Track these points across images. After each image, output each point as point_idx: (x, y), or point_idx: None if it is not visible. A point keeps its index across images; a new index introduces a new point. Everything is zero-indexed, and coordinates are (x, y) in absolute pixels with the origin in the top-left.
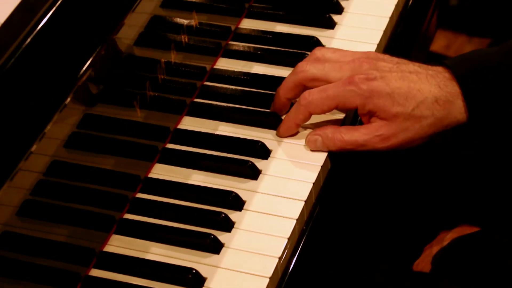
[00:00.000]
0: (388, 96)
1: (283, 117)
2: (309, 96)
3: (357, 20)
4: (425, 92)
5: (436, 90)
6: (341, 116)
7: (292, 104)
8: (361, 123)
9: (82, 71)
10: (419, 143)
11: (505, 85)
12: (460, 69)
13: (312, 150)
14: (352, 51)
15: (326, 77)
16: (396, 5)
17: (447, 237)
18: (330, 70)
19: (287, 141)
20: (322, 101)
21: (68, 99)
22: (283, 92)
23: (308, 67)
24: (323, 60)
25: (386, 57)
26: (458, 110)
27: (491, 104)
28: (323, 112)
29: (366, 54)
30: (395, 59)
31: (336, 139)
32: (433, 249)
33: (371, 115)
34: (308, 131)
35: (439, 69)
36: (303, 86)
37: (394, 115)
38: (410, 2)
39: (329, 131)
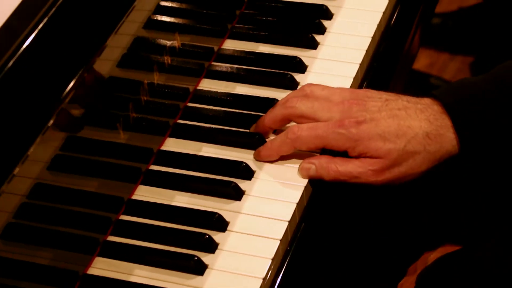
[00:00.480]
0: (379, 137)
1: (267, 139)
2: (298, 131)
3: (340, 40)
4: (415, 128)
5: (426, 125)
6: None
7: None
8: None
9: (64, 93)
10: (412, 178)
11: (494, 114)
12: (449, 100)
13: (304, 178)
14: (340, 89)
15: (314, 115)
16: (378, 25)
17: (431, 257)
18: (319, 109)
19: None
20: (311, 139)
21: (51, 121)
22: (269, 122)
23: (298, 104)
24: (312, 97)
25: (375, 94)
26: (449, 142)
27: (482, 133)
28: (309, 149)
29: (355, 94)
30: (384, 96)
31: (330, 169)
32: (417, 269)
33: (362, 156)
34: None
35: (428, 101)
36: (290, 121)
37: (387, 152)
38: (393, 21)
39: (324, 160)
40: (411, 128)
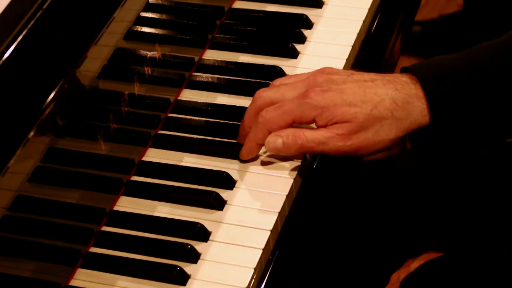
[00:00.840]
0: (345, 102)
1: None
2: (266, 114)
3: (320, 49)
4: (381, 94)
5: (394, 92)
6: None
7: None
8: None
9: (45, 104)
10: (381, 147)
11: (467, 89)
12: (422, 72)
13: (271, 152)
14: (307, 72)
15: (283, 97)
16: (358, 34)
17: (414, 264)
18: (286, 91)
19: (252, 171)
20: (279, 117)
21: (31, 133)
22: (246, 122)
23: (265, 93)
24: (280, 85)
25: (340, 70)
26: (418, 111)
27: (454, 107)
28: (280, 128)
29: (320, 70)
30: (349, 71)
31: (297, 136)
32: (400, 276)
33: (330, 124)
34: (272, 159)
35: (397, 74)
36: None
37: (353, 115)
38: (373, 30)
39: (290, 130)
40: (378, 94)
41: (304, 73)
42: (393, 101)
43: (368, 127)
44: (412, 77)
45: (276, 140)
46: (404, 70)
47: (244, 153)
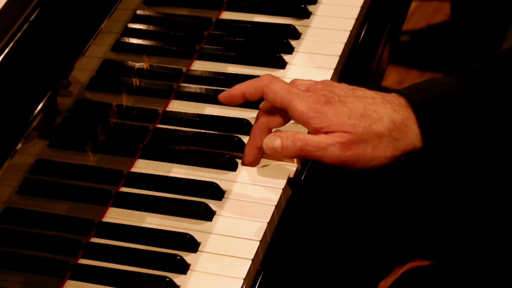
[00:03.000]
0: (344, 113)
1: (239, 161)
2: (273, 79)
3: (308, 59)
4: (380, 113)
5: (392, 113)
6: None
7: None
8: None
9: (32, 116)
10: (377, 164)
11: (458, 113)
12: (414, 97)
13: (268, 153)
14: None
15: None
16: (346, 43)
17: (401, 272)
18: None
19: (241, 181)
20: (281, 91)
21: (19, 145)
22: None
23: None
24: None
25: (342, 84)
26: (414, 135)
27: (445, 131)
28: (274, 101)
29: (321, 81)
30: (350, 86)
31: (297, 139)
32: (387, 284)
33: (327, 132)
34: (261, 170)
35: (395, 95)
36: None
37: (352, 126)
38: (360, 39)
39: (290, 132)
40: (377, 112)
41: (303, 81)
42: (392, 121)
43: (368, 141)
44: (407, 102)
45: (275, 140)
46: (399, 93)
47: (246, 159)
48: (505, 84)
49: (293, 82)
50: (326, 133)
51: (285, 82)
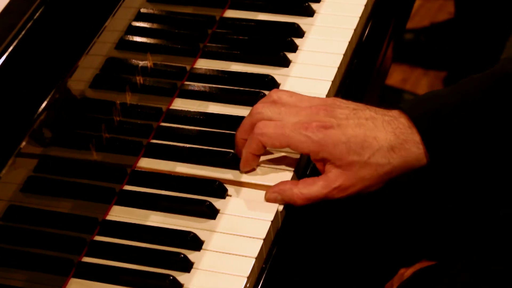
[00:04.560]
0: (344, 145)
1: None
2: (264, 127)
3: (312, 58)
4: (381, 140)
5: (392, 137)
6: (297, 155)
7: None
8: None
9: (36, 114)
10: (376, 188)
11: (460, 126)
12: (417, 115)
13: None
14: (309, 97)
15: (281, 120)
16: (350, 42)
17: (407, 273)
18: (286, 114)
19: (245, 180)
20: (276, 136)
21: (23, 143)
22: (240, 133)
23: (264, 110)
24: (279, 103)
25: (343, 103)
26: (414, 157)
27: (450, 145)
28: (273, 146)
29: (323, 101)
30: (352, 105)
31: (295, 196)
32: (394, 285)
33: (325, 162)
34: (264, 169)
35: (395, 114)
36: None
37: (350, 163)
38: (364, 38)
39: (287, 187)
40: (377, 139)
41: (305, 97)
42: (391, 148)
43: (365, 176)
44: (409, 120)
45: (276, 197)
46: (399, 109)
47: (242, 165)
48: (506, 93)
49: (289, 94)
50: (324, 162)
51: (275, 124)
